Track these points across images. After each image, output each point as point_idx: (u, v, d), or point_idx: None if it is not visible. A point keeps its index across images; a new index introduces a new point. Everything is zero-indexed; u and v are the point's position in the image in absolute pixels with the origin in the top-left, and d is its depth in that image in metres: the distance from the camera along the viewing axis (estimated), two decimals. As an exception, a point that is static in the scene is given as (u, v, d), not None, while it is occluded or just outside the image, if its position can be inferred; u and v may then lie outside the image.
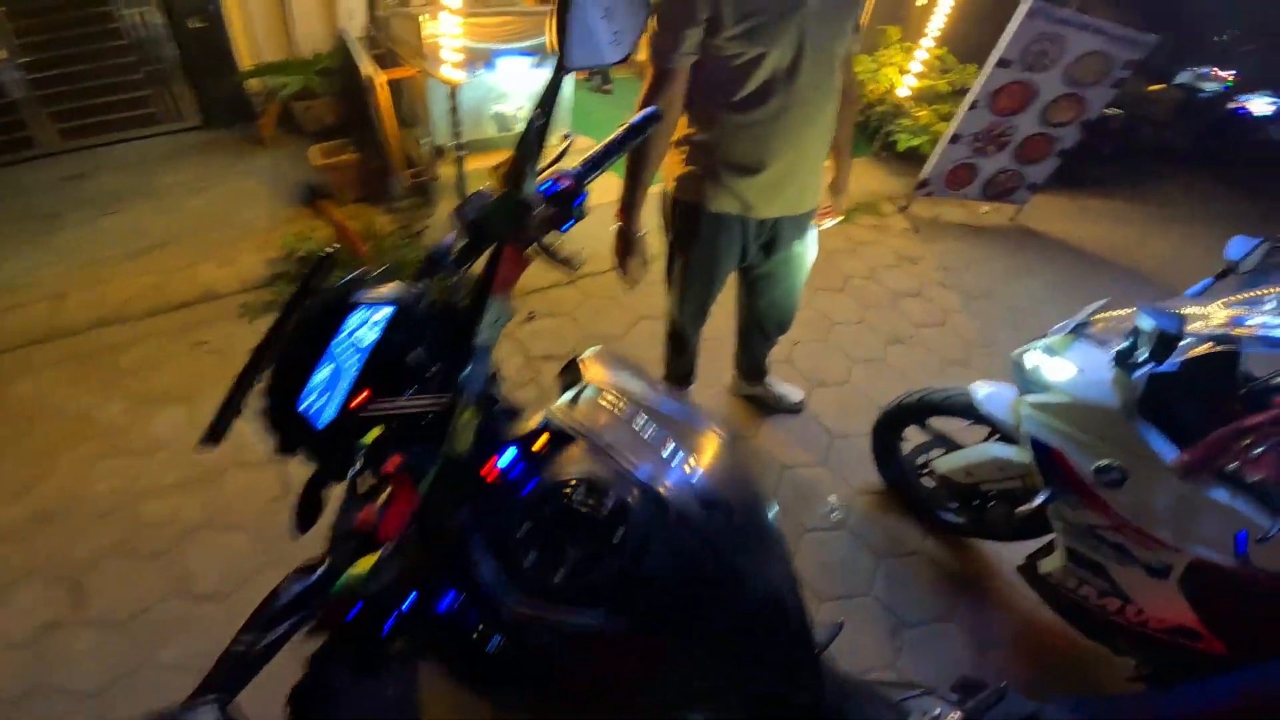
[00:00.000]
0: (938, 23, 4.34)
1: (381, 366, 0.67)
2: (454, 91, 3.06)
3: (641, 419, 0.71)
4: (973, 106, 3.77)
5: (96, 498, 2.08)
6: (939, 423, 1.96)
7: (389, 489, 0.62)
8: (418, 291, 0.72)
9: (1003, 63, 3.58)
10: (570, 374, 0.81)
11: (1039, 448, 1.47)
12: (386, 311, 0.68)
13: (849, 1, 1.49)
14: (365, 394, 0.66)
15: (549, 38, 0.60)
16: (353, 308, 0.65)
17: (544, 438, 0.69)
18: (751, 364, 2.47)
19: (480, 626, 0.60)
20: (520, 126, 4.16)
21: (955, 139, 3.93)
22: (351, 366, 0.65)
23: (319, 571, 0.56)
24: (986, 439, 1.78)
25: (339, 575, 0.55)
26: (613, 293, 3.16)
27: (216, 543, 1.97)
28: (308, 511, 0.66)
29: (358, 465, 0.64)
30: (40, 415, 2.37)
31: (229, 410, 0.62)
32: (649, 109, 0.83)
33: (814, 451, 2.44)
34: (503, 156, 4.11)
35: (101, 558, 1.91)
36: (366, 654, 0.56)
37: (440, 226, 3.54)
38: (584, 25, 0.60)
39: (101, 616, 1.77)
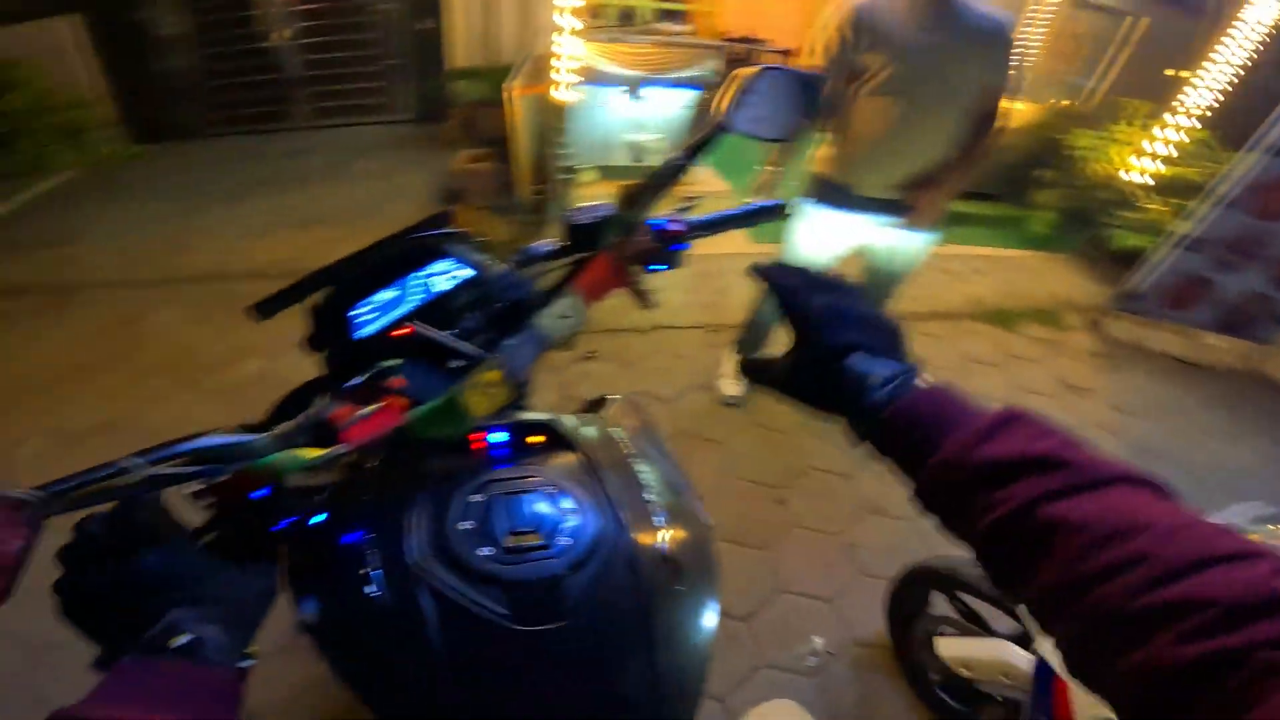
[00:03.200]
0: (1203, 98, 3.34)
1: (437, 315, 0.72)
2: (568, 112, 3.07)
3: (643, 469, 0.74)
4: (1225, 203, 2.82)
5: (154, 421, 2.42)
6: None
7: (378, 402, 0.62)
8: (501, 271, 0.76)
9: (1276, 151, 2.62)
10: (594, 409, 0.86)
11: (1043, 672, 1.18)
12: (467, 272, 0.74)
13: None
14: (409, 329, 0.70)
15: (718, 99, 0.64)
16: (442, 255, 0.72)
17: (542, 437, 0.74)
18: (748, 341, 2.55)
19: (366, 568, 0.60)
20: (653, 160, 4.16)
21: (1194, 245, 3.00)
22: (412, 301, 0.71)
23: (257, 437, 0.54)
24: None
25: (274, 450, 0.54)
26: (683, 352, 2.95)
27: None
28: (287, 409, 0.67)
29: (355, 380, 0.65)
30: (160, 341, 2.87)
31: (289, 295, 0.66)
32: (775, 201, 0.84)
33: (828, 584, 2.00)
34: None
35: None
36: (241, 540, 0.55)
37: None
38: (755, 101, 0.64)
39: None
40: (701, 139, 0.65)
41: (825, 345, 0.48)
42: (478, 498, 0.65)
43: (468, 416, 0.63)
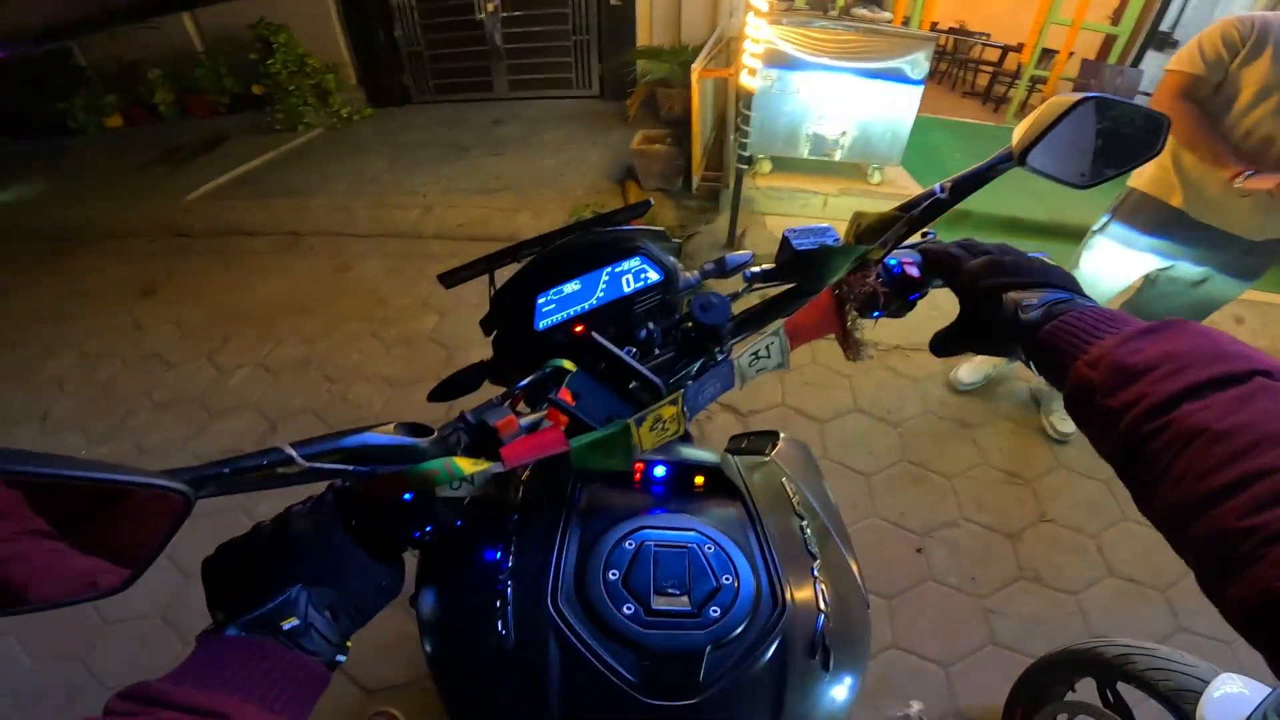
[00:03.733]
0: None
1: (619, 317, 0.69)
2: (748, 100, 2.94)
3: (809, 531, 0.67)
4: None
5: (341, 366, 2.75)
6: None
7: (543, 417, 0.60)
8: (690, 279, 0.72)
9: None
10: (756, 443, 0.80)
11: None
12: (655, 275, 0.69)
13: None
14: (581, 328, 0.67)
15: (1018, 133, 0.56)
16: (636, 252, 0.68)
17: (702, 479, 0.68)
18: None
19: (499, 601, 0.57)
20: (839, 154, 3.86)
21: None
22: (596, 298, 0.68)
23: (419, 440, 0.53)
24: None
25: (434, 455, 0.52)
26: (845, 370, 2.72)
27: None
28: (452, 388, 0.69)
29: (531, 377, 0.63)
30: (359, 289, 3.25)
31: (473, 268, 0.66)
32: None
33: (951, 647, 1.79)
34: (817, 181, 3.85)
35: (302, 412, 2.51)
36: (379, 539, 0.54)
37: (711, 233, 3.55)
38: (1066, 136, 0.56)
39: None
40: (978, 172, 0.57)
41: (982, 289, 0.52)
42: (630, 545, 0.59)
43: (635, 450, 0.58)
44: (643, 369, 0.62)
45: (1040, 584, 1.95)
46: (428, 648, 0.59)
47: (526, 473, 0.68)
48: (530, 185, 4.18)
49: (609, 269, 0.68)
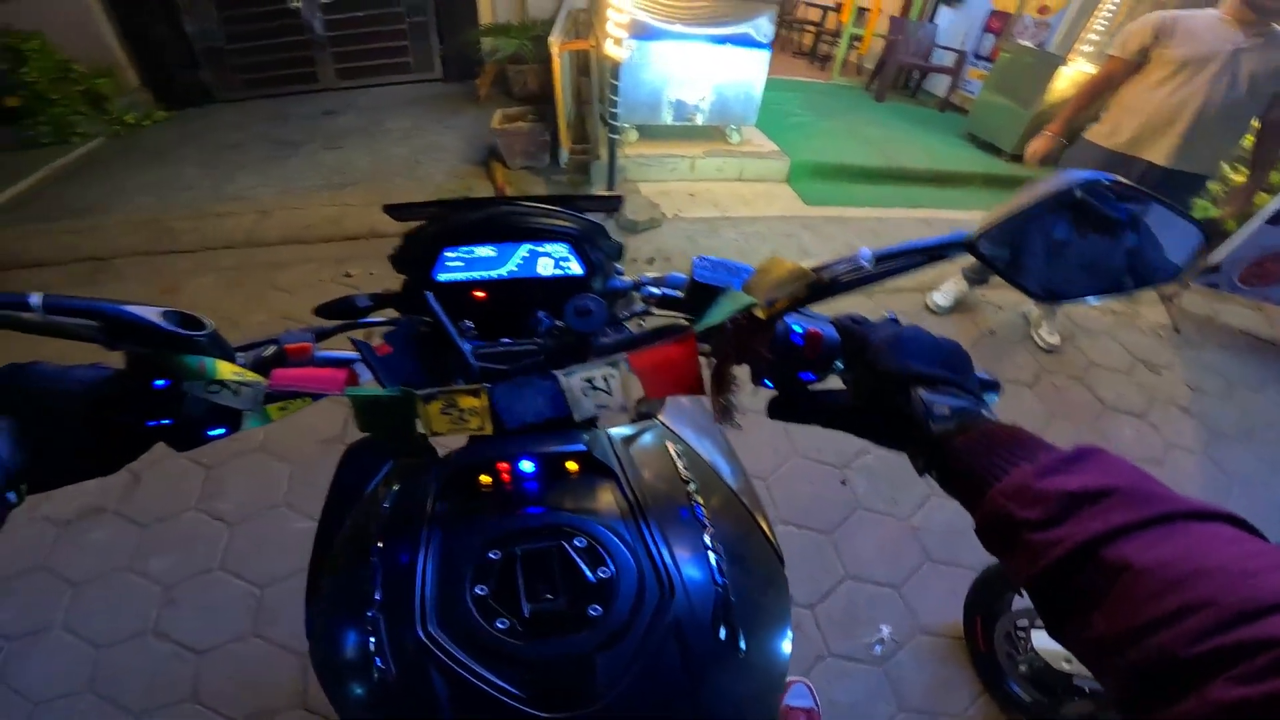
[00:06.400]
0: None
1: (524, 296, 0.67)
2: (615, 69, 2.88)
3: (696, 494, 0.61)
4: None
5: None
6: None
7: (343, 362, 0.60)
8: (621, 283, 0.71)
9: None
10: (649, 414, 0.74)
11: None
12: (578, 269, 0.68)
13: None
14: (484, 295, 0.67)
15: (989, 214, 0.44)
16: (565, 239, 0.67)
17: (574, 465, 0.61)
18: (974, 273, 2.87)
19: (373, 637, 0.51)
20: (700, 118, 3.96)
21: (1276, 218, 2.79)
22: (507, 270, 0.68)
23: (195, 332, 0.49)
24: None
25: (205, 350, 0.49)
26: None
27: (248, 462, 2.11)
28: (339, 308, 0.68)
29: (366, 319, 0.66)
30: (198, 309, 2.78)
31: (419, 208, 0.66)
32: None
33: (896, 569, 1.91)
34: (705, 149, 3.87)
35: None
36: (116, 415, 0.49)
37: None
38: (1045, 232, 0.43)
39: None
40: (917, 248, 0.47)
41: (889, 374, 0.47)
42: (494, 554, 0.53)
43: (420, 430, 0.52)
44: (462, 345, 0.59)
45: (947, 498, 2.14)
46: (325, 687, 0.54)
47: (389, 499, 0.63)
48: (382, 176, 3.82)
49: (530, 245, 0.67)
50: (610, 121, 3.05)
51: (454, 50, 5.03)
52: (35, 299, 0.42)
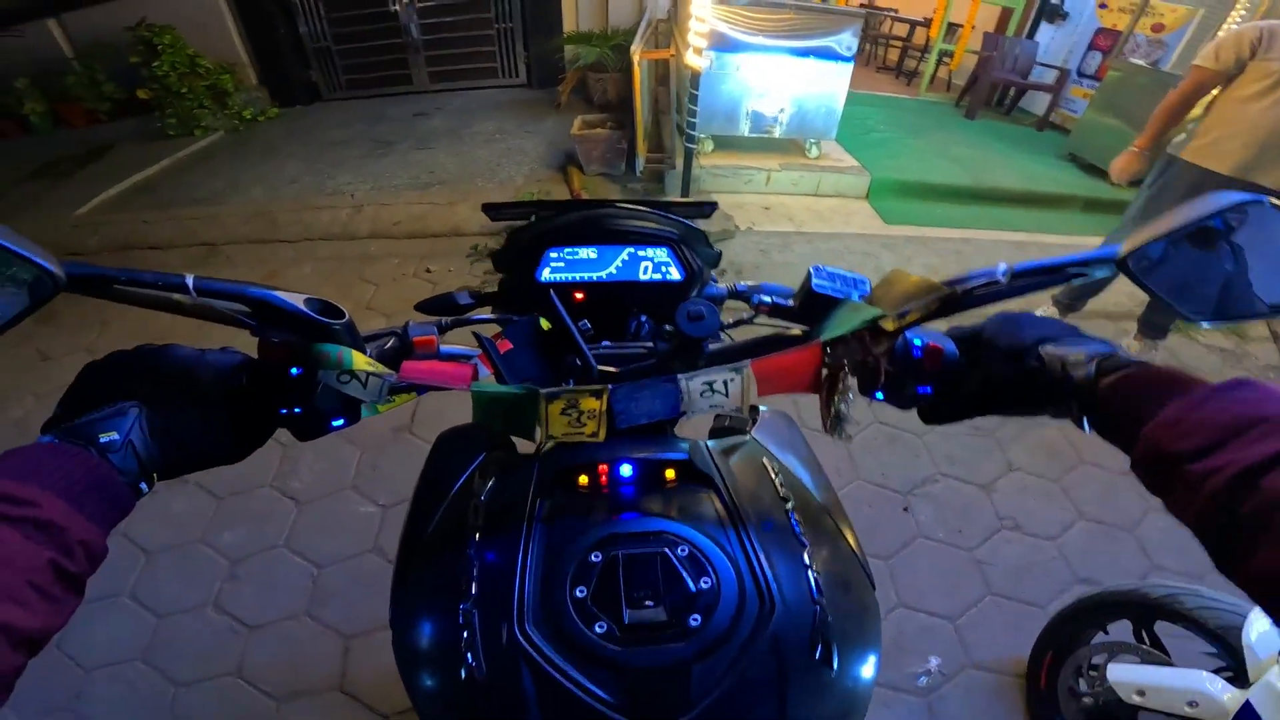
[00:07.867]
0: None
1: (621, 298, 0.68)
2: (695, 79, 2.90)
3: (793, 510, 0.61)
4: None
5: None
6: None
7: (475, 357, 0.62)
8: (718, 290, 0.72)
9: None
10: (736, 421, 0.75)
11: (1248, 714, 1.11)
12: (678, 275, 0.69)
13: None
14: (582, 296, 0.67)
15: (1140, 232, 0.42)
16: (667, 244, 0.67)
17: (673, 473, 0.61)
18: (1155, 323, 2.68)
19: (464, 635, 0.51)
20: (778, 131, 3.92)
21: None
22: (608, 273, 0.68)
23: (331, 320, 0.50)
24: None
25: (340, 340, 0.51)
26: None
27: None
28: (440, 305, 0.71)
29: (486, 316, 0.68)
30: (295, 298, 2.99)
31: (518, 208, 0.67)
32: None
33: (954, 601, 1.83)
34: (762, 160, 3.86)
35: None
36: (251, 402, 0.51)
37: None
38: (1200, 254, 0.42)
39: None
40: (1057, 265, 0.45)
41: (1014, 346, 0.48)
42: (596, 557, 0.53)
43: (541, 430, 0.53)
44: (585, 348, 0.59)
45: (1020, 532, 2.04)
46: (405, 678, 0.54)
47: (486, 493, 0.62)
48: (466, 177, 3.99)
49: (632, 249, 0.67)
50: (688, 131, 3.07)
51: (538, 57, 5.20)
52: (188, 280, 0.42)
